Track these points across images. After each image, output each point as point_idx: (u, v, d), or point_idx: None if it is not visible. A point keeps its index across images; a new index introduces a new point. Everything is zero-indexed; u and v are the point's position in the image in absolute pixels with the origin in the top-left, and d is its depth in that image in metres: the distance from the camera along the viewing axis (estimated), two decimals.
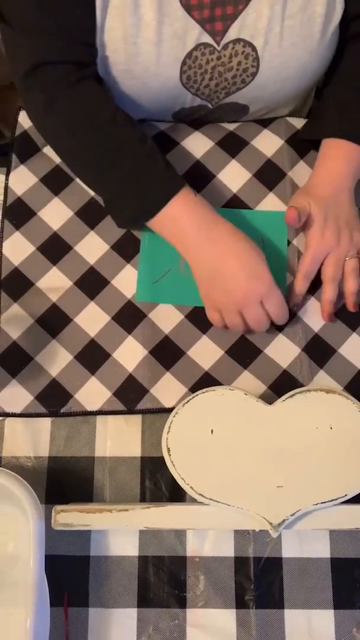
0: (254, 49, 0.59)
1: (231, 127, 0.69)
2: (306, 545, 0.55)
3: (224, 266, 0.56)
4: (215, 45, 0.59)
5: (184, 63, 0.59)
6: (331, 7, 0.58)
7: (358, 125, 0.61)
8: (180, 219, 0.57)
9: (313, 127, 0.66)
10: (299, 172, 0.66)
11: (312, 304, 0.62)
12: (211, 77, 0.62)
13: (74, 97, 0.58)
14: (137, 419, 0.58)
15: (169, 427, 0.53)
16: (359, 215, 0.62)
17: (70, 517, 0.52)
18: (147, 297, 0.62)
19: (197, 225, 0.56)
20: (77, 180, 0.66)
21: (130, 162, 0.58)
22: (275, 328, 0.61)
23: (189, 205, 0.57)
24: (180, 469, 0.52)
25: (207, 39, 0.58)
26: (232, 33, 0.58)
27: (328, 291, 0.60)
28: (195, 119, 0.69)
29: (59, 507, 0.52)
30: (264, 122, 0.69)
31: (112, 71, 0.60)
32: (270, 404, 0.54)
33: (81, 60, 0.58)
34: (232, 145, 0.67)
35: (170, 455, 0.52)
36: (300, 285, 0.61)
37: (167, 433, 0.53)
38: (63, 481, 0.57)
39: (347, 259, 0.60)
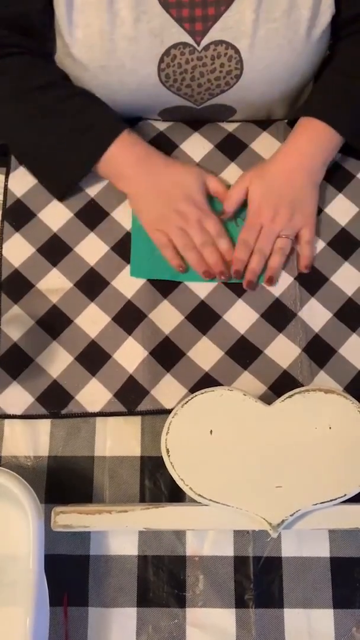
0: (236, 51, 0.59)
1: (230, 127, 0.69)
2: (306, 544, 0.55)
3: (160, 188, 0.61)
4: (195, 45, 0.59)
5: (161, 61, 0.59)
6: (317, 10, 0.58)
7: (331, 105, 0.62)
8: (119, 158, 0.61)
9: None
10: None
11: (313, 305, 0.62)
12: (192, 78, 0.61)
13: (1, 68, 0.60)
14: (136, 418, 0.59)
15: (168, 427, 0.53)
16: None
17: (69, 518, 0.52)
18: (141, 273, 0.62)
19: (134, 160, 0.61)
20: None
21: (63, 120, 0.61)
22: (276, 328, 0.61)
23: (126, 146, 0.61)
24: (179, 470, 0.52)
25: (186, 38, 0.58)
26: (214, 34, 0.58)
27: (253, 261, 0.62)
28: (185, 120, 0.69)
29: (58, 509, 0.52)
30: (263, 124, 0.69)
31: (89, 68, 0.60)
32: (269, 404, 0.54)
33: (11, 43, 0.60)
34: (231, 148, 0.67)
35: (169, 456, 0.52)
36: (238, 252, 0.62)
37: (166, 434, 0.53)
38: (63, 481, 0.57)
39: (281, 236, 0.61)
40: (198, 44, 0.59)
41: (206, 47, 0.59)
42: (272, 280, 0.62)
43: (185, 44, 0.59)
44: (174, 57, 0.59)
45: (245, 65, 0.60)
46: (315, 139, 0.62)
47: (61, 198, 0.65)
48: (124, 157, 0.61)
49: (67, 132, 0.61)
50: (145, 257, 0.63)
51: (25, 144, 0.64)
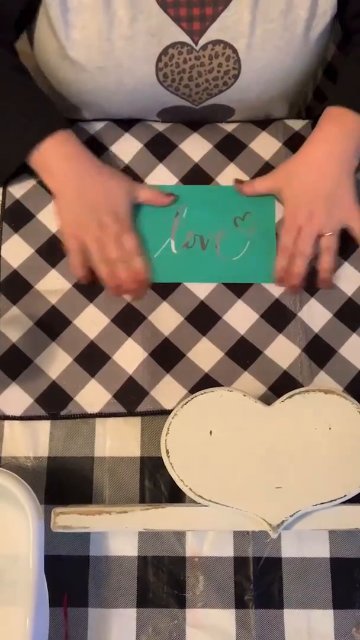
0: (234, 51, 0.59)
1: (229, 128, 0.69)
2: (305, 545, 0.55)
3: (87, 194, 0.59)
4: (193, 44, 0.59)
5: (159, 60, 0.59)
6: (314, 12, 0.58)
7: (356, 93, 0.60)
8: (52, 152, 0.59)
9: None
10: None
11: (313, 305, 0.62)
12: (190, 77, 0.61)
13: None
14: (136, 419, 0.59)
15: (168, 428, 0.53)
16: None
17: (69, 519, 0.52)
18: (152, 276, 0.62)
19: (66, 159, 0.59)
20: None
21: (7, 103, 0.59)
22: (275, 329, 0.61)
23: (62, 142, 0.59)
24: (179, 471, 0.52)
25: (184, 37, 0.58)
26: (212, 34, 0.58)
27: (295, 265, 0.60)
28: (183, 120, 0.69)
29: (58, 509, 0.52)
30: (262, 124, 0.69)
31: (87, 69, 0.60)
32: (269, 405, 0.54)
33: None
34: (231, 148, 0.67)
35: (169, 456, 0.52)
36: (279, 259, 0.61)
37: (166, 434, 0.53)
38: (62, 481, 0.57)
39: (324, 235, 0.60)
40: (196, 44, 0.59)
41: (204, 47, 0.59)
42: (326, 283, 0.61)
43: (183, 44, 0.58)
44: (172, 57, 0.59)
45: (243, 65, 0.60)
46: (343, 127, 0.59)
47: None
48: (57, 153, 0.59)
49: (7, 116, 0.59)
50: (151, 256, 0.63)
51: None
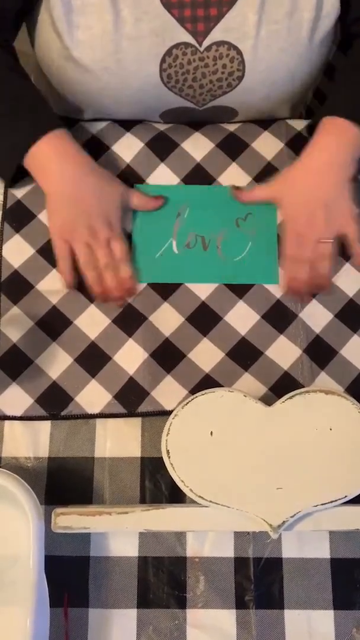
0: (239, 52, 0.59)
1: (231, 127, 0.69)
2: (306, 545, 0.55)
3: (79, 197, 0.59)
4: (197, 45, 0.58)
5: (163, 61, 0.59)
6: (319, 13, 0.58)
7: (352, 102, 0.60)
8: (46, 153, 0.58)
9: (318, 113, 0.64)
10: None
11: (314, 306, 0.62)
12: (194, 78, 0.61)
13: None
14: (137, 419, 0.59)
15: (168, 429, 0.53)
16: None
17: (69, 519, 0.52)
18: (144, 277, 0.62)
19: (60, 160, 0.58)
20: None
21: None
22: (276, 329, 0.61)
23: (56, 142, 0.58)
24: (179, 472, 0.52)
25: (188, 38, 0.58)
26: (216, 35, 0.58)
27: (298, 272, 0.60)
28: (188, 122, 0.69)
29: (58, 510, 0.52)
30: (264, 124, 0.69)
31: (91, 70, 0.60)
32: (270, 405, 0.54)
33: None
34: (232, 148, 0.67)
35: (169, 457, 0.52)
36: (288, 268, 0.61)
37: (167, 435, 0.53)
38: (63, 482, 0.57)
39: (322, 241, 0.59)
40: (200, 45, 0.58)
41: (208, 48, 0.59)
42: (324, 288, 0.61)
43: (187, 44, 0.58)
44: (176, 57, 0.59)
45: (247, 66, 0.60)
46: (340, 136, 0.60)
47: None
48: (51, 154, 0.58)
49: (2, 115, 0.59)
50: (146, 263, 0.63)
51: None
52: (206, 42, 0.58)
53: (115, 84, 0.61)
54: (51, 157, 0.58)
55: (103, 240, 0.59)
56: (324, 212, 0.59)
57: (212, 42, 0.58)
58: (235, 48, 0.58)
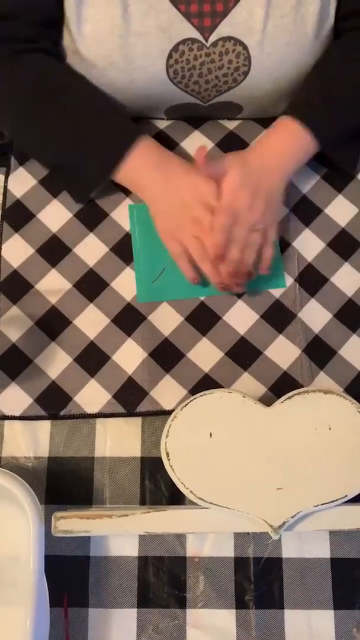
0: (245, 47, 0.59)
1: (231, 125, 0.69)
2: (306, 545, 0.55)
3: (176, 195, 0.59)
4: (204, 41, 0.58)
5: (169, 57, 0.59)
6: (325, 6, 0.58)
7: (308, 107, 0.61)
8: (136, 166, 0.60)
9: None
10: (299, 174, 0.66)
11: (313, 306, 0.62)
12: (200, 74, 0.61)
13: (15, 67, 0.59)
14: (136, 419, 0.59)
15: (168, 431, 0.53)
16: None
17: (70, 523, 0.52)
18: (148, 297, 0.62)
19: (151, 168, 0.60)
20: None
21: (82, 125, 0.60)
22: (276, 329, 0.61)
23: (143, 153, 0.60)
24: (179, 473, 0.52)
25: (194, 34, 0.58)
26: (222, 30, 0.58)
27: (231, 251, 0.58)
28: (191, 117, 0.69)
29: (58, 514, 0.52)
30: (263, 122, 0.69)
31: (97, 64, 0.60)
32: (269, 405, 0.54)
33: (28, 37, 0.59)
34: (232, 147, 0.67)
35: (169, 459, 0.52)
36: (219, 235, 0.57)
37: (166, 437, 0.53)
38: (63, 482, 0.57)
39: (254, 229, 0.58)
40: (206, 40, 0.59)
41: (214, 44, 0.59)
42: (239, 276, 0.59)
43: (193, 40, 0.58)
44: (182, 53, 0.59)
45: (253, 62, 0.60)
46: (290, 140, 0.60)
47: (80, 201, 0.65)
48: (141, 165, 0.60)
49: (85, 138, 0.60)
50: (150, 283, 0.62)
51: (42, 146, 0.63)
52: (212, 38, 0.58)
53: (121, 80, 0.61)
54: (142, 170, 0.60)
55: (209, 228, 0.58)
56: (263, 203, 0.59)
57: (218, 38, 0.58)
58: (241, 43, 0.58)
